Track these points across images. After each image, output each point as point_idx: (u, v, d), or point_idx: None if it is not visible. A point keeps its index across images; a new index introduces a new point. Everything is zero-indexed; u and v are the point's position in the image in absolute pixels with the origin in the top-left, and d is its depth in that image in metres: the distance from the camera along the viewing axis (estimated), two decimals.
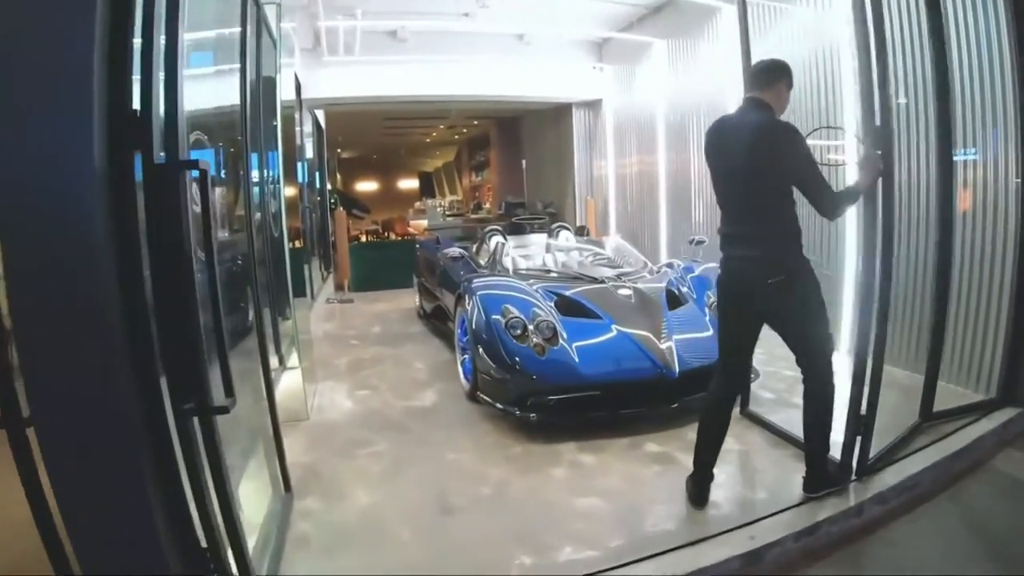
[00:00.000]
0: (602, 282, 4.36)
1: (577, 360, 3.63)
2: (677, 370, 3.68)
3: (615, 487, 3.07)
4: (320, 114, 9.18)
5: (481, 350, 3.85)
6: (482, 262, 5.52)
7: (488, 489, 3.07)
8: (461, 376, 4.39)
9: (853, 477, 2.97)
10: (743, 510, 2.84)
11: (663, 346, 3.76)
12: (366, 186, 17.93)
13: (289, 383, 4.40)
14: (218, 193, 2.72)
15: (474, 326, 3.97)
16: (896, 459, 3.23)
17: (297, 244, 5.86)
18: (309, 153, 8.45)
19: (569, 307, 4.07)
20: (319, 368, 5.08)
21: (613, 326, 3.87)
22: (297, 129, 7.21)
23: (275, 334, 4.90)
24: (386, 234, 13.96)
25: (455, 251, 5.01)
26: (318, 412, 4.12)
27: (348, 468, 3.32)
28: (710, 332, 4.02)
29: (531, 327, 3.74)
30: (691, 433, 3.63)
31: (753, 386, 3.87)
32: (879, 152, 2.72)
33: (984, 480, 3.26)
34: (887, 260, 2.85)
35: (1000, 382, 3.81)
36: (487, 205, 16.61)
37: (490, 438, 3.64)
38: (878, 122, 2.77)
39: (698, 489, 2.86)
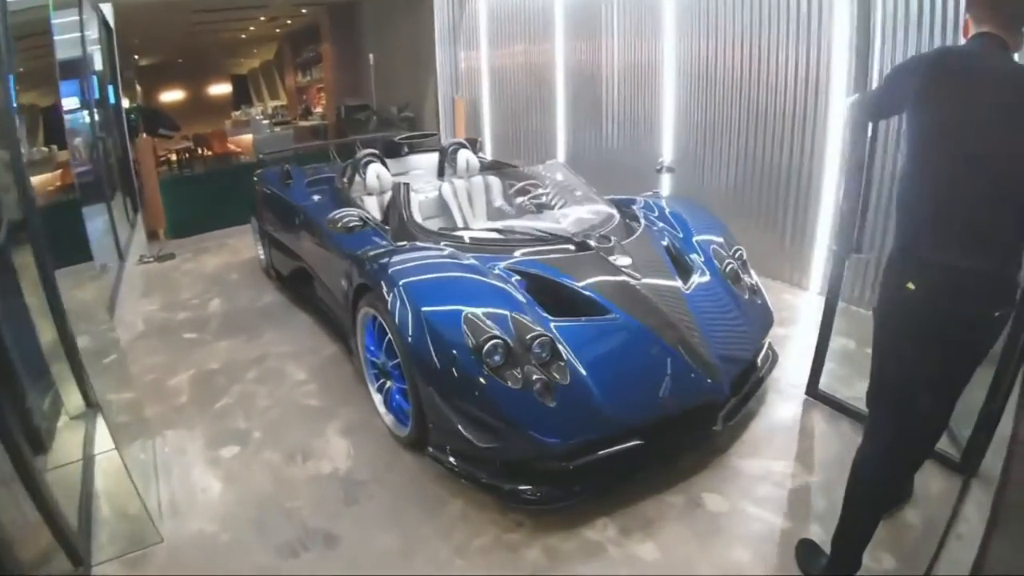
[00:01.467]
0: (587, 247, 2.86)
1: (602, 398, 2.22)
2: (726, 383, 2.45)
3: None
4: (108, 9, 6.30)
5: (436, 396, 2.29)
6: (362, 201, 3.79)
7: None
8: (384, 416, 2.80)
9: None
10: None
11: (703, 350, 2.46)
12: (171, 96, 14.12)
13: (107, 450, 2.61)
14: None
15: (411, 349, 2.35)
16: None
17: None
18: (99, 64, 5.94)
19: (551, 295, 2.58)
20: (151, 401, 3.20)
21: (630, 324, 2.46)
22: (76, 35, 4.76)
23: (70, 353, 2.96)
24: (200, 151, 11.08)
25: (350, 216, 3.09)
26: (173, 519, 2.34)
27: None
28: (720, 286, 2.84)
29: (517, 349, 2.23)
30: (743, 463, 2.53)
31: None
32: None
33: None
34: None
35: None
36: (318, 110, 13.90)
37: (480, 534, 2.19)
38: None
39: None
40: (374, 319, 2.73)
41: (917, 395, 1.70)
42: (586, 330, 2.41)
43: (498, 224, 3.22)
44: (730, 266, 2.95)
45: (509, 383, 2.15)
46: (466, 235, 3.09)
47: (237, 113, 13.44)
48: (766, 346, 2.97)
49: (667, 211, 3.34)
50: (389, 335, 2.53)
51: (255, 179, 5.04)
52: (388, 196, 3.72)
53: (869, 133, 2.36)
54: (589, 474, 2.21)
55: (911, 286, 1.65)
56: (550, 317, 2.42)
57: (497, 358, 2.18)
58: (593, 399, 2.19)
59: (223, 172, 8.49)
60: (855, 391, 2.93)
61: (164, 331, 4.10)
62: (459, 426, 2.20)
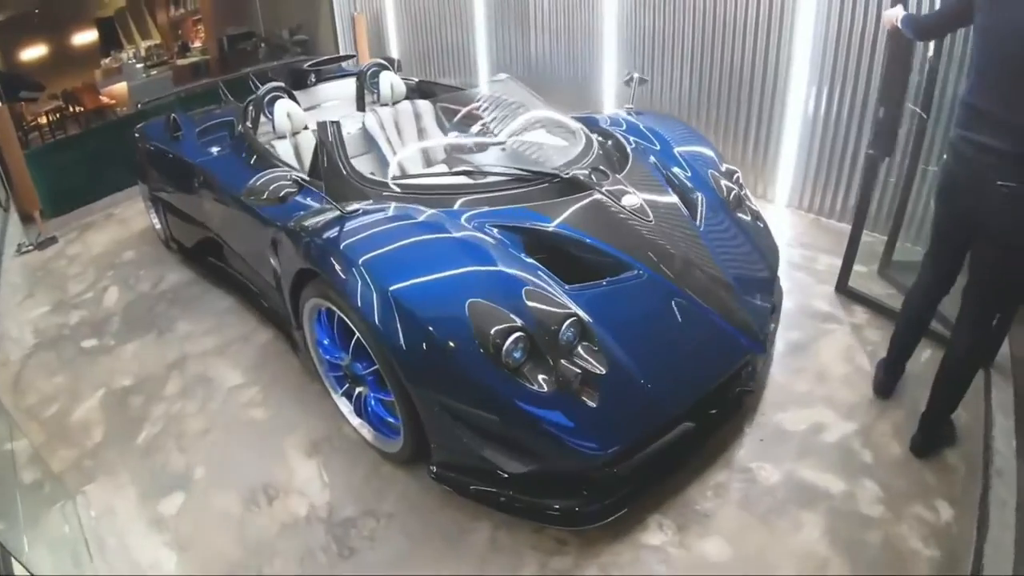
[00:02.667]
0: (581, 185, 2.23)
1: (646, 382, 1.74)
2: (762, 337, 2.04)
3: None
4: None
5: (441, 413, 1.74)
6: (272, 147, 2.96)
7: None
8: (358, 428, 2.22)
9: None
10: None
11: (733, 303, 2.01)
12: (32, 53, 11.70)
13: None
14: None
15: (395, 351, 1.75)
16: None
17: None
18: None
19: (550, 253, 2.01)
20: (59, 445, 2.47)
21: (657, 281, 1.95)
22: None
23: None
24: (71, 109, 9.37)
25: (279, 181, 2.14)
26: None
27: None
28: (729, 220, 2.39)
29: (540, 336, 1.67)
30: (777, 418, 2.16)
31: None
32: None
33: None
34: None
35: None
36: (197, 44, 12.04)
37: (521, 565, 1.75)
38: None
39: (886, 376, 2.28)
40: (329, 312, 2.10)
41: (938, 242, 2.02)
42: (611, 296, 1.88)
43: (463, 165, 2.54)
44: (733, 193, 2.48)
45: (534, 385, 1.63)
46: (427, 181, 2.43)
47: (107, 60, 11.38)
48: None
49: (640, 126, 2.80)
50: (361, 334, 1.91)
51: (136, 136, 4.02)
52: (302, 137, 3.01)
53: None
54: (636, 473, 1.76)
55: (945, 156, 1.91)
56: (564, 284, 1.87)
57: (518, 355, 1.64)
58: (637, 386, 1.72)
59: (98, 131, 7.13)
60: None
61: (58, 341, 3.23)
62: (475, 450, 1.68)
